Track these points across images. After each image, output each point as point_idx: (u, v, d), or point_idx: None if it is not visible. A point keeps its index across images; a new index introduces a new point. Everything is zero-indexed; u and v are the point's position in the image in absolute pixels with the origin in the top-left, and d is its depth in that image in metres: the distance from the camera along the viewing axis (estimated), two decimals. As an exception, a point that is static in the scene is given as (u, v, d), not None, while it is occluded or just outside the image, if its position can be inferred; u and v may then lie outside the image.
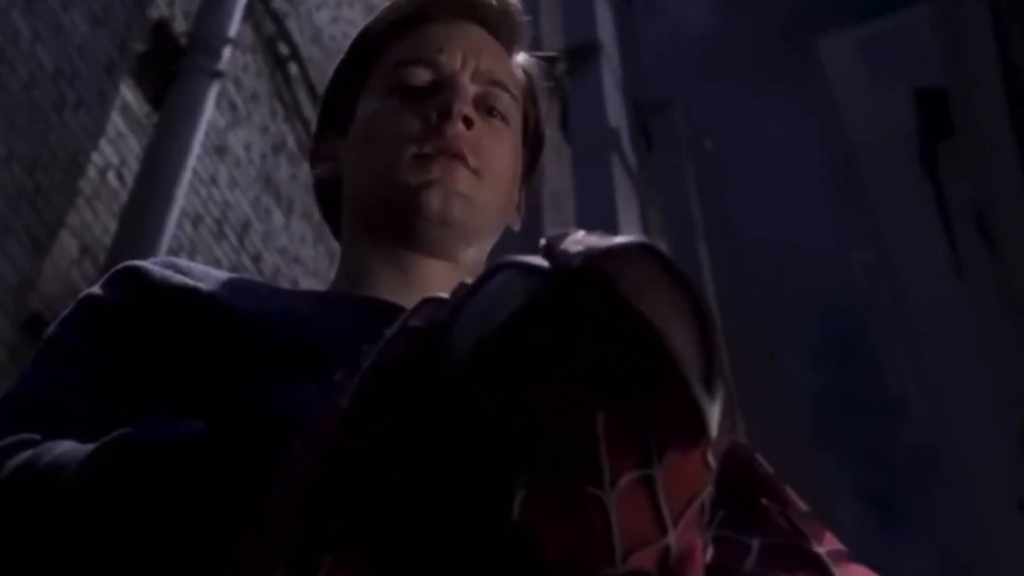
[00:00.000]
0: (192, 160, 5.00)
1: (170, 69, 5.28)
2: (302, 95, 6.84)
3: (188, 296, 1.06)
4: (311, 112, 6.91)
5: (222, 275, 1.12)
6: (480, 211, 1.15)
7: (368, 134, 1.17)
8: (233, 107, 5.98)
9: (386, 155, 1.13)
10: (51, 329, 1.10)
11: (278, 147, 6.45)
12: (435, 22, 1.21)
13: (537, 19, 13.03)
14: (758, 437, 18.49)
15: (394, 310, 1.10)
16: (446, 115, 1.13)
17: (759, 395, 20.52)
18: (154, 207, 4.73)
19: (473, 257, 1.19)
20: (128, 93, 5.09)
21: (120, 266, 1.13)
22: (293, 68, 6.76)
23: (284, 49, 6.68)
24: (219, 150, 5.72)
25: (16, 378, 1.06)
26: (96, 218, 4.68)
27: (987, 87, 12.26)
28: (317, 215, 5.25)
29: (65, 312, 1.12)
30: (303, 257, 6.43)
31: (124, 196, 4.85)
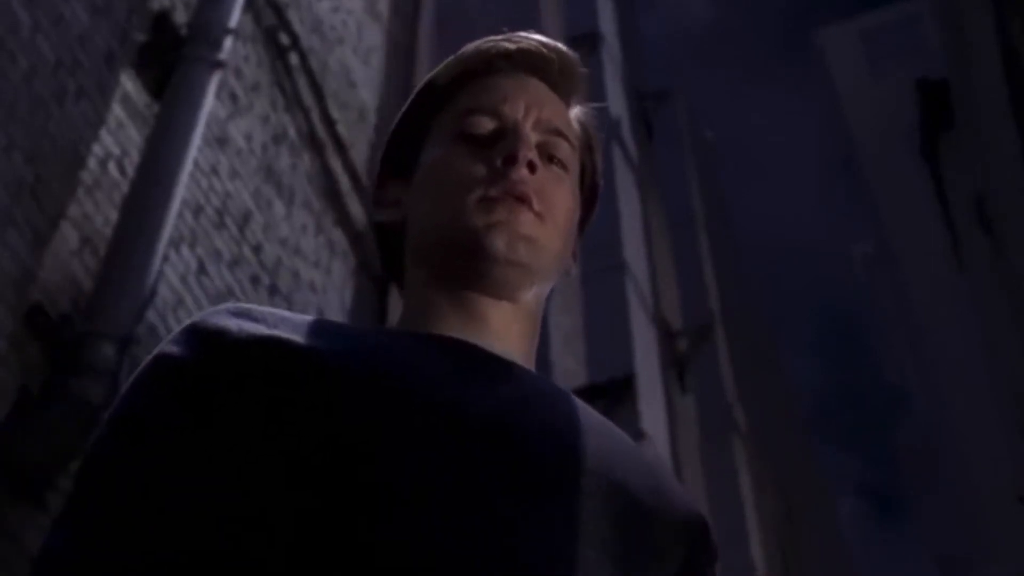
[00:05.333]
0: (193, 150, 4.99)
1: (171, 59, 5.28)
2: (303, 85, 6.83)
3: (275, 349, 1.06)
4: (311, 102, 6.90)
5: (294, 318, 1.13)
6: (543, 252, 1.19)
7: (435, 179, 1.21)
8: (234, 97, 5.97)
9: (453, 199, 1.17)
10: (131, 403, 1.08)
11: (279, 137, 6.44)
12: (498, 75, 1.26)
13: (539, 10, 13.01)
14: (758, 430, 18.49)
15: (474, 350, 1.13)
16: (511, 160, 1.17)
17: (759, 388, 20.51)
18: (155, 197, 4.72)
19: (534, 299, 1.23)
20: (129, 83, 5.08)
21: (193, 324, 1.11)
22: (294, 58, 6.76)
23: (285, 39, 6.67)
24: (220, 140, 5.72)
25: (109, 465, 1.05)
26: (97, 209, 4.68)
27: (989, 78, 12.24)
28: (318, 205, 5.23)
29: (140, 379, 1.10)
30: (304, 248, 6.42)
31: (125, 186, 4.85)
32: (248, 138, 6.04)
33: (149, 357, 1.11)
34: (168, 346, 1.10)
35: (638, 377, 10.41)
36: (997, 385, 16.43)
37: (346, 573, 0.94)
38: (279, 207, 6.23)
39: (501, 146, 1.19)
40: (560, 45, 1.31)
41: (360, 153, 7.52)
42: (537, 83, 1.27)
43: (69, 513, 1.02)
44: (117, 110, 4.96)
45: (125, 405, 1.08)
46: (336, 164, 7.10)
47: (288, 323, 1.11)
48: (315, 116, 6.95)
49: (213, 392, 1.04)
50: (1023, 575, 15.89)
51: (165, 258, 4.75)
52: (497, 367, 1.13)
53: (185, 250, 5.16)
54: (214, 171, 5.60)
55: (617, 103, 13.85)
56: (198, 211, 5.37)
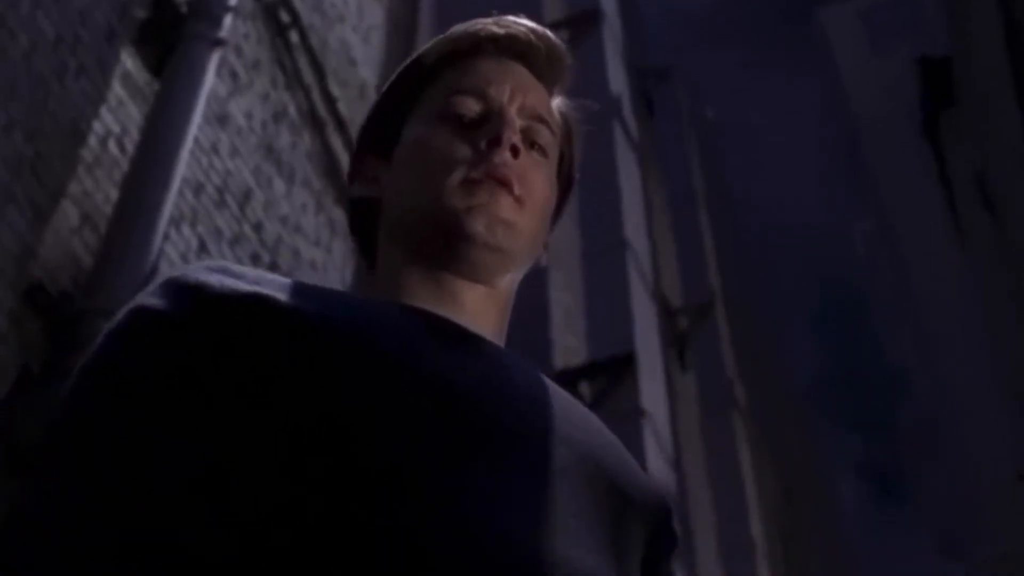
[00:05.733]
0: (193, 128, 4.99)
1: (171, 37, 5.26)
2: (303, 62, 6.82)
3: (256, 306, 1.04)
4: (312, 80, 6.89)
5: (274, 277, 1.11)
6: (520, 237, 1.19)
7: (417, 157, 1.21)
8: (234, 75, 5.96)
9: (435, 178, 1.17)
10: (108, 353, 1.04)
11: (279, 115, 6.43)
12: (486, 58, 1.26)
13: (539, -13, 12.97)
14: (758, 409, 18.51)
15: (449, 323, 1.13)
16: (495, 142, 1.17)
17: (759, 366, 20.52)
18: (155, 176, 4.72)
19: (507, 283, 1.23)
20: (129, 60, 5.07)
21: (173, 278, 1.08)
22: (294, 36, 6.74)
23: (285, 16, 6.66)
24: (220, 118, 5.71)
25: (84, 414, 1.00)
26: (97, 186, 4.68)
27: (990, 55, 12.21)
28: (318, 184, 5.23)
29: (117, 331, 1.05)
30: (304, 226, 6.42)
31: (125, 164, 4.84)
32: (248, 116, 6.03)
33: (125, 309, 1.08)
34: (146, 298, 1.06)
35: (638, 355, 10.42)
36: (998, 363, 16.44)
37: (344, 554, 0.93)
38: (279, 185, 6.22)
39: (486, 129, 1.19)
40: (549, 33, 1.31)
41: (360, 131, 7.50)
42: (522, 69, 1.27)
43: (43, 472, 0.99)
44: (117, 88, 4.95)
45: (101, 356, 1.04)
46: (336, 142, 7.09)
47: (269, 282, 1.09)
48: (315, 94, 6.93)
49: (198, 349, 1.01)
50: (1023, 553, 15.92)
51: (166, 236, 4.75)
52: (472, 342, 1.12)
53: (186, 228, 5.16)
54: (214, 149, 5.59)
55: (618, 80, 13.82)
56: (199, 189, 5.36)
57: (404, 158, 1.23)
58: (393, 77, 1.31)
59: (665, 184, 17.31)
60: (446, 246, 1.17)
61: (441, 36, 1.29)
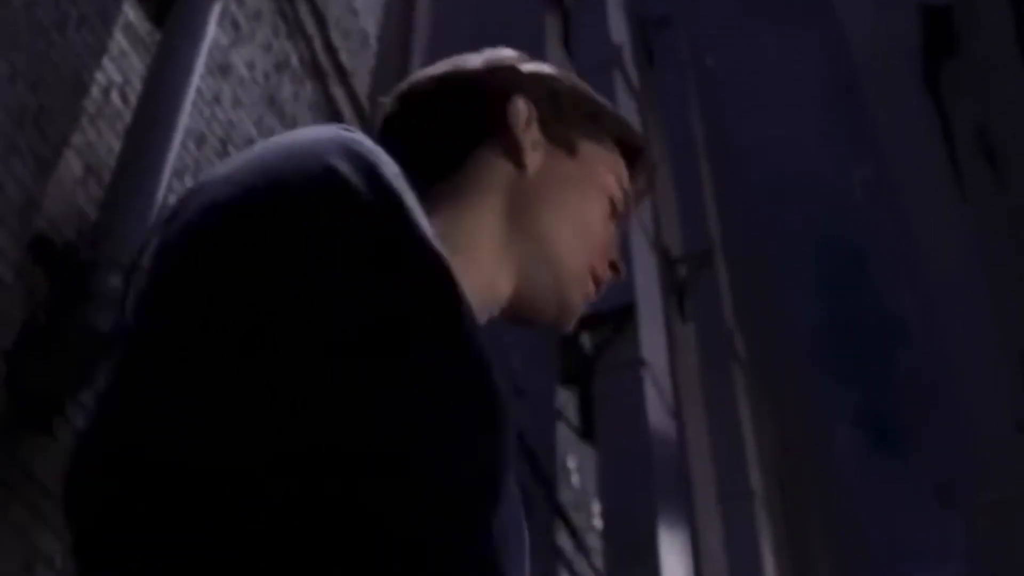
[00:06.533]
0: (195, 79, 4.98)
1: (172, -14, 5.25)
2: (304, 12, 6.80)
3: (444, 285, 0.86)
4: (314, 29, 6.87)
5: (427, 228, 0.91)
6: None
7: (581, 206, 1.24)
8: (236, 25, 5.95)
9: (578, 242, 1.22)
10: (305, 215, 0.82)
11: (281, 65, 6.42)
12: (638, 174, 1.33)
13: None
14: (757, 359, 18.57)
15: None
16: (616, 268, 1.27)
17: (759, 317, 20.57)
18: (158, 127, 4.72)
19: None
20: (130, 11, 5.06)
21: (373, 165, 0.86)
22: (295, -15, 6.72)
23: (286, -34, 6.63)
24: (222, 69, 5.70)
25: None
26: (100, 138, 4.68)
27: (993, 4, 12.15)
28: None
29: (311, 188, 0.83)
30: (306, 176, 6.42)
31: (128, 116, 4.84)
32: (250, 66, 6.03)
33: (315, 163, 0.85)
34: (350, 173, 0.84)
35: (639, 305, 10.46)
36: (997, 314, 16.48)
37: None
38: (281, 136, 6.22)
39: (615, 244, 1.27)
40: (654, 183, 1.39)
41: (362, 81, 7.49)
42: None
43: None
44: (119, 38, 4.94)
45: (291, 213, 0.82)
46: (338, 93, 7.08)
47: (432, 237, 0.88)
48: (317, 44, 6.92)
49: (382, 280, 0.80)
50: (1021, 502, 16.02)
51: (169, 187, 4.76)
52: None
53: (189, 180, 5.17)
54: (217, 100, 5.59)
55: (618, 30, 13.77)
56: (201, 140, 5.36)
57: (573, 183, 1.24)
58: (595, 96, 1.30)
59: (665, 133, 17.28)
60: (539, 294, 1.21)
61: (636, 128, 1.33)
